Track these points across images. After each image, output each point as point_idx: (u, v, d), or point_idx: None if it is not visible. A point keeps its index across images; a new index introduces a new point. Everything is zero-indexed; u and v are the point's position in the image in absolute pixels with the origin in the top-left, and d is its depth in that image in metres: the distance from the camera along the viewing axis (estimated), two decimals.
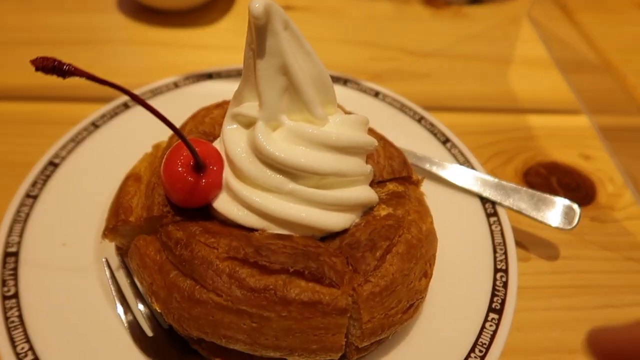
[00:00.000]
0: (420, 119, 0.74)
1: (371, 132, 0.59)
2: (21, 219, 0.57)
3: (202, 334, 0.46)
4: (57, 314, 0.51)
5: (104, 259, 0.55)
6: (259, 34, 0.46)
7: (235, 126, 0.51)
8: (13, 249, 0.54)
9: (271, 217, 0.49)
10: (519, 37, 1.03)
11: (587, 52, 0.98)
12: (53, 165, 0.62)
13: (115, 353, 0.49)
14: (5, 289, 0.51)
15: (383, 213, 0.53)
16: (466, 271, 0.57)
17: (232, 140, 0.50)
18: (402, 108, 0.75)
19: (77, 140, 0.65)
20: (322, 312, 0.45)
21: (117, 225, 0.52)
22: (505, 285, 0.55)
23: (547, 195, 0.63)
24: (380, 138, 0.62)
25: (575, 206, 0.62)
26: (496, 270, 0.57)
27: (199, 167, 0.49)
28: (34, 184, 0.60)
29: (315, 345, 0.46)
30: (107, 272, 0.54)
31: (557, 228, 0.61)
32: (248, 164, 0.49)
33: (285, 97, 0.49)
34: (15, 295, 0.51)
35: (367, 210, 0.54)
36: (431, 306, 0.55)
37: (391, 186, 0.58)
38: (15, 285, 0.52)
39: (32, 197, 0.59)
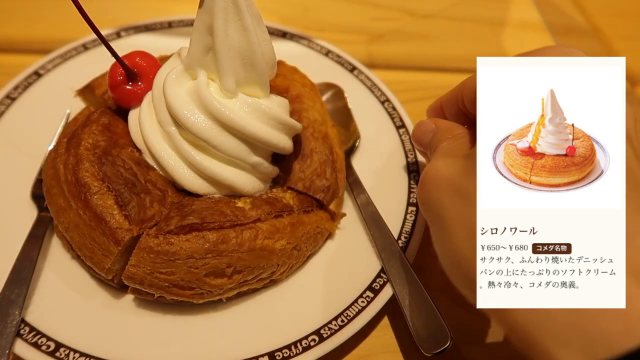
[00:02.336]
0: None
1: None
2: None
3: None
4: None
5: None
6: None
7: (177, 59, 0.56)
8: None
9: (146, 144, 0.55)
10: (513, 0, 1.05)
11: (577, 16, 1.03)
12: None
13: None
14: None
15: (239, 204, 0.54)
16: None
17: (164, 71, 0.56)
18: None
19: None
20: (102, 230, 0.50)
21: (87, 87, 0.62)
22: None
23: None
24: (335, 153, 0.61)
25: None
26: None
27: (131, 77, 0.57)
28: None
29: (89, 252, 0.51)
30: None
31: None
32: (157, 92, 0.54)
33: (209, 56, 0.53)
34: None
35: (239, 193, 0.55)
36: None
37: (288, 196, 0.57)
38: None
39: None
